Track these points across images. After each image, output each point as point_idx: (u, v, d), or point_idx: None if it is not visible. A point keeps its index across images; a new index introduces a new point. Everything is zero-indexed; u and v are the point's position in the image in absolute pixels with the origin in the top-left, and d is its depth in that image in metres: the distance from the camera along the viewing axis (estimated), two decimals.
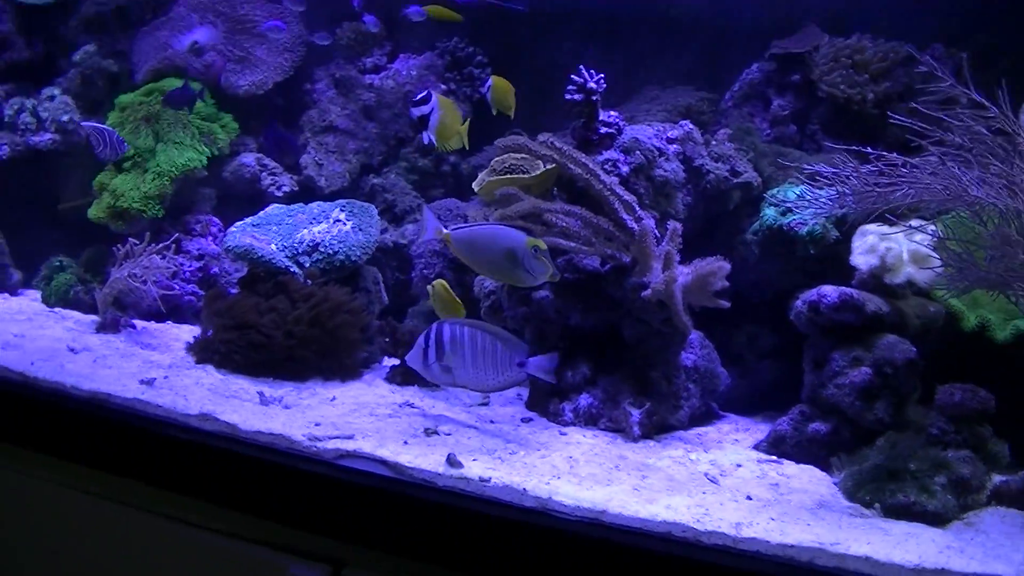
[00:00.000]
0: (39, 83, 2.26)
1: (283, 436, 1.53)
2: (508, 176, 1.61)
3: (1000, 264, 1.45)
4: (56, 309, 2.11)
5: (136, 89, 2.13)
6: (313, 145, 2.00)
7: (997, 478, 1.57)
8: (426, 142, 1.64)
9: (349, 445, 1.49)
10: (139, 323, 1.97)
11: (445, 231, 1.48)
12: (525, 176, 1.59)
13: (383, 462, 1.48)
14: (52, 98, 2.15)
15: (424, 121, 1.59)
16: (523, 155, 1.68)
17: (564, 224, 1.57)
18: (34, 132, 2.13)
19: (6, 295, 2.24)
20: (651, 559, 1.31)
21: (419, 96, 1.59)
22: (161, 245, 1.89)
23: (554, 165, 1.60)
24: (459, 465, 1.45)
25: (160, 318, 1.98)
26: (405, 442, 1.53)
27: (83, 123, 2.13)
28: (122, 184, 1.86)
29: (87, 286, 2.00)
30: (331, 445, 1.50)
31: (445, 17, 2.25)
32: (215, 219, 2.02)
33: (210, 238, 1.97)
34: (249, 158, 2.06)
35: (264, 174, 2.04)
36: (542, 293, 1.62)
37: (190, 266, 1.92)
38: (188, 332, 2.00)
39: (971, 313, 1.60)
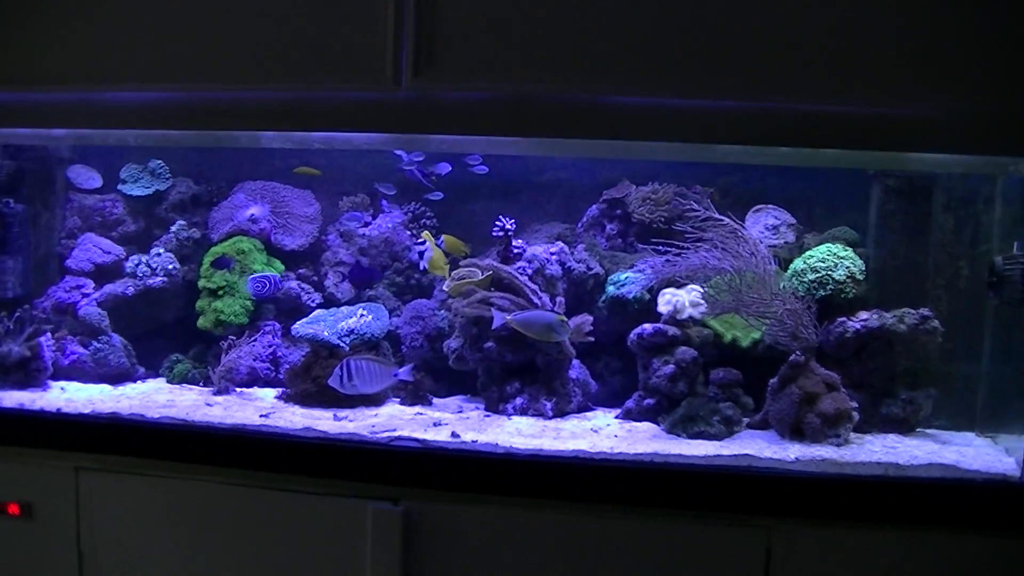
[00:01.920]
0: (142, 248, 3.29)
1: (355, 433, 2.73)
2: (465, 280, 2.91)
3: (734, 302, 2.81)
4: (178, 386, 3.14)
5: (214, 246, 3.22)
6: (331, 273, 3.20)
7: (745, 419, 2.93)
8: (421, 268, 2.96)
9: (395, 434, 2.75)
10: (238, 389, 3.08)
11: (509, 317, 2.78)
12: (475, 280, 2.90)
13: (415, 439, 2.69)
14: (159, 254, 3.19)
15: (421, 255, 2.91)
16: (470, 270, 2.99)
17: (500, 303, 2.88)
18: (149, 277, 3.16)
19: (139, 381, 3.22)
20: (568, 469, 2.51)
21: (419, 241, 2.90)
22: (249, 340, 3.15)
23: (491, 272, 2.91)
24: (458, 436, 2.69)
25: (249, 385, 3.10)
26: (425, 429, 2.72)
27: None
28: (221, 305, 3.08)
29: (198, 370, 3.15)
30: (383, 435, 2.74)
31: (308, 172, 3.27)
32: (276, 323, 3.19)
33: (274, 335, 3.21)
34: (294, 284, 3.19)
35: (303, 293, 3.17)
36: (489, 344, 2.89)
37: (264, 352, 3.16)
38: (270, 392, 3.07)
39: (727, 332, 2.92)
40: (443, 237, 3.13)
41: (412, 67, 2.50)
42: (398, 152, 3.15)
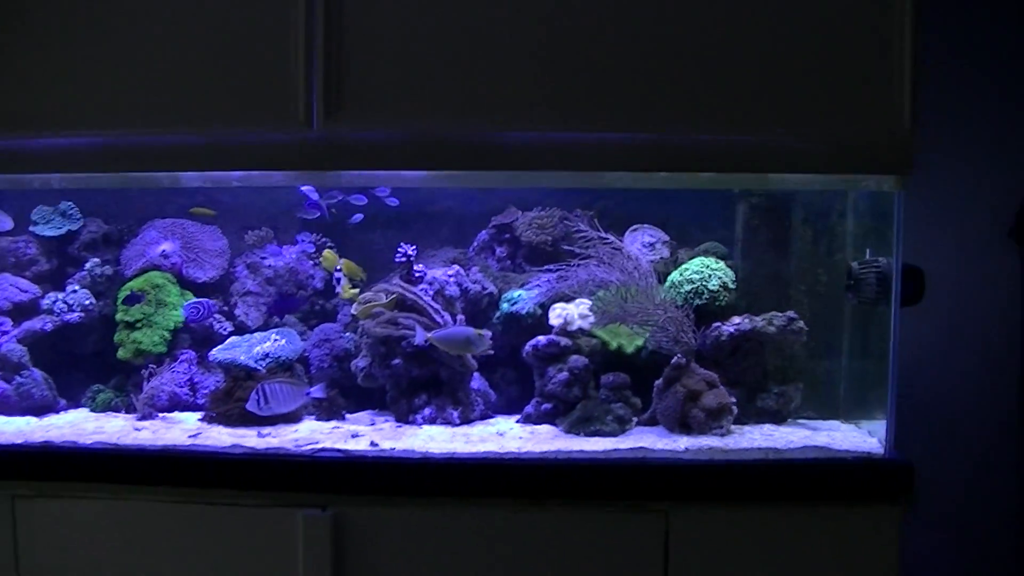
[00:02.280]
0: (57, 286, 3.44)
1: (281, 447, 2.92)
2: (372, 303, 3.18)
3: (619, 312, 3.14)
4: (102, 414, 3.31)
5: (129, 281, 3.37)
6: (240, 303, 3.38)
7: (635, 418, 3.25)
8: (337, 292, 3.24)
9: (318, 446, 2.99)
10: (160, 414, 3.27)
11: (430, 334, 3.06)
12: (382, 301, 3.17)
13: (337, 450, 2.93)
14: (75, 291, 3.34)
15: (339, 281, 3.20)
16: (376, 293, 3.26)
17: (407, 323, 3.15)
18: (66, 313, 3.31)
19: (61, 412, 3.37)
20: (481, 468, 2.76)
21: (336, 268, 3.18)
22: (169, 368, 3.36)
23: (395, 295, 3.19)
24: (377, 445, 2.94)
25: (170, 410, 3.29)
26: (345, 440, 2.95)
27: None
28: (140, 336, 3.28)
29: (120, 399, 3.32)
30: (307, 447, 2.96)
31: (203, 213, 3.53)
32: (192, 351, 3.36)
33: (191, 363, 3.42)
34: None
35: (215, 323, 3.36)
36: (396, 361, 3.14)
37: (183, 379, 3.37)
38: (191, 415, 3.27)
39: (612, 340, 3.22)
40: (342, 261, 3.39)
41: (323, 110, 2.76)
42: (305, 189, 3.40)
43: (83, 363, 3.51)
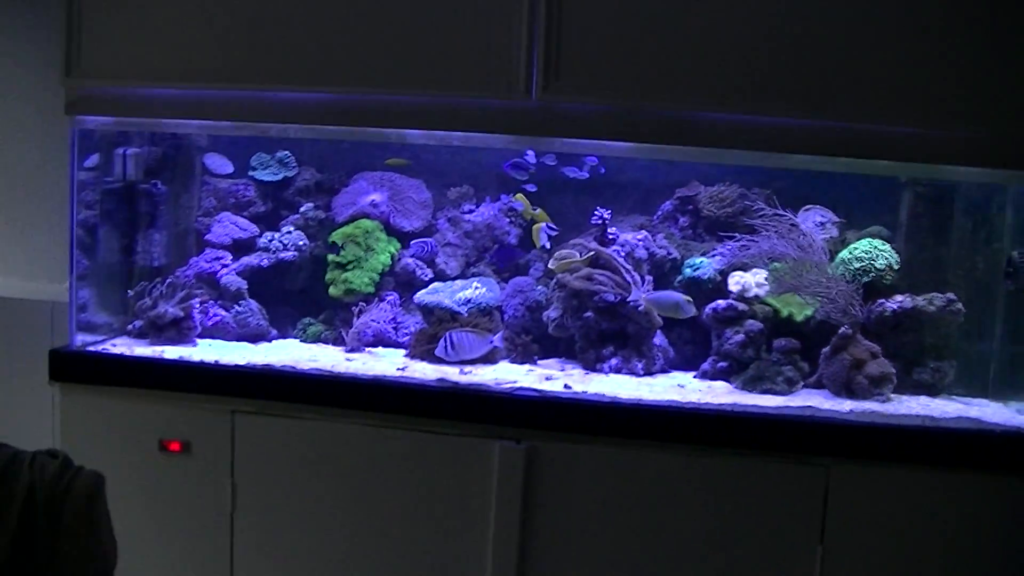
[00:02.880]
0: (271, 226, 3.80)
1: (482, 384, 3.26)
2: (569, 260, 3.56)
3: (793, 283, 3.49)
4: (312, 345, 3.69)
5: (339, 227, 3.72)
6: (440, 252, 3.73)
7: (802, 381, 3.58)
8: (544, 246, 3.63)
9: (515, 384, 3.27)
10: (367, 348, 3.64)
11: (644, 295, 3.44)
12: (579, 259, 3.55)
13: (533, 389, 3.26)
14: (290, 232, 3.70)
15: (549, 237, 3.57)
16: (570, 251, 3.62)
17: (599, 279, 3.53)
18: (282, 251, 3.67)
19: (273, 340, 3.75)
20: (663, 414, 3.11)
21: (549, 225, 3.56)
22: (374, 306, 3.75)
23: (592, 252, 3.56)
24: (570, 388, 3.25)
25: (375, 345, 3.65)
26: (540, 382, 3.30)
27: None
28: (351, 276, 3.67)
29: (329, 332, 3.69)
30: (506, 385, 3.29)
31: (398, 163, 3.86)
32: (396, 294, 3.72)
33: (394, 304, 3.76)
34: (410, 261, 3.70)
35: (416, 269, 3.69)
36: (588, 314, 3.50)
37: (386, 317, 3.73)
38: (394, 351, 3.65)
39: (784, 308, 3.53)
40: (537, 210, 3.74)
41: (541, 82, 3.10)
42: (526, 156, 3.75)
43: (293, 298, 3.89)
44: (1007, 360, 3.52)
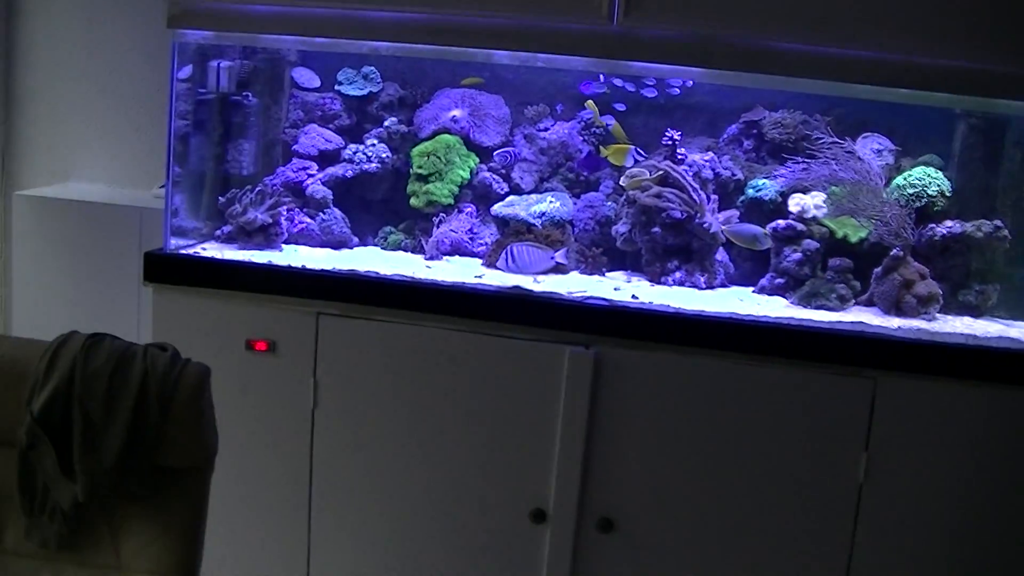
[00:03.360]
0: (356, 139, 3.99)
1: (555, 292, 3.47)
2: (640, 178, 3.81)
3: (851, 206, 3.74)
4: (393, 252, 3.92)
5: (423, 141, 3.94)
6: (516, 168, 3.95)
7: (853, 299, 3.82)
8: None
9: (586, 293, 3.52)
10: (444, 257, 3.86)
11: (724, 227, 3.69)
12: (649, 177, 3.81)
13: (603, 298, 3.50)
14: (374, 144, 3.89)
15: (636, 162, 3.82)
16: (640, 169, 3.88)
17: (668, 196, 3.79)
18: (365, 163, 3.87)
19: (355, 248, 3.98)
20: (724, 325, 3.36)
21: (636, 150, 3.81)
22: (454, 216, 4.01)
23: (661, 172, 3.81)
24: (637, 298, 3.53)
25: (452, 254, 3.88)
26: (609, 292, 3.63)
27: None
28: (433, 188, 3.89)
29: (409, 240, 3.91)
30: (577, 294, 3.48)
31: (473, 82, 4.10)
32: (473, 205, 3.93)
33: (471, 215, 3.98)
34: (487, 175, 3.91)
35: (493, 182, 3.90)
36: (656, 229, 3.74)
37: (464, 228, 3.93)
38: (472, 260, 3.88)
39: (839, 229, 3.71)
40: (613, 123, 3.98)
41: (623, 7, 3.31)
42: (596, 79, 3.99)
43: (375, 207, 4.12)
44: None
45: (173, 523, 2.31)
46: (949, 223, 3.69)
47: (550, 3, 3.40)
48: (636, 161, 3.85)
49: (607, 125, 3.98)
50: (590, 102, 4.00)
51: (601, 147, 3.93)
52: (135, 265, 3.77)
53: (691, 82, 4.00)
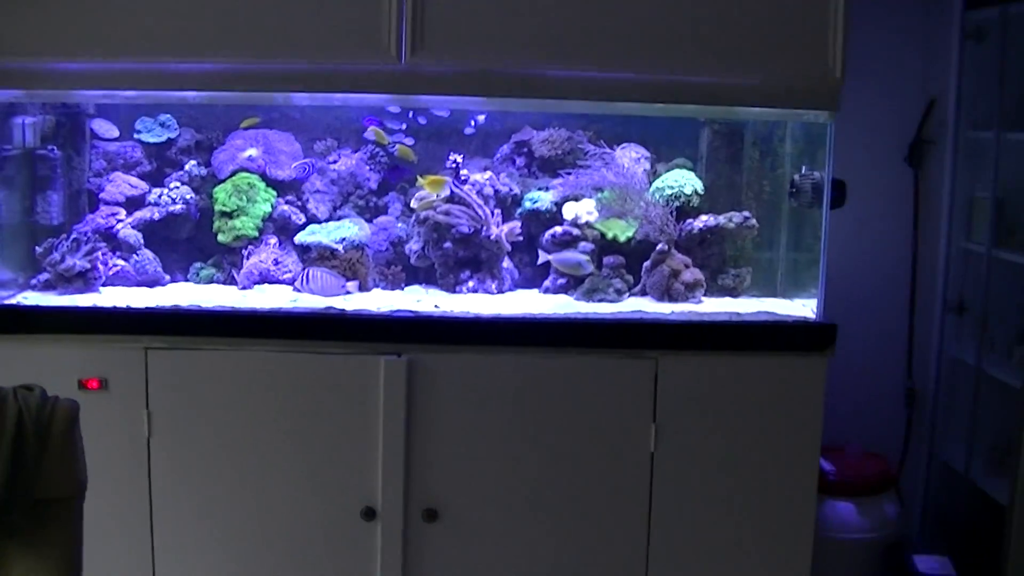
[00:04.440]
0: (157, 184, 4.24)
1: (364, 309, 3.93)
2: (429, 200, 4.25)
3: (618, 209, 4.28)
4: (206, 286, 4.20)
5: (223, 181, 4.20)
6: (311, 198, 4.22)
7: (628, 291, 4.35)
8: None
9: (392, 307, 4.08)
10: (255, 286, 4.17)
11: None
12: (436, 199, 4.26)
13: (409, 310, 3.97)
14: (177, 187, 4.13)
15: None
16: (427, 189, 4.32)
17: (456, 214, 4.23)
18: (171, 205, 4.13)
19: (168, 284, 4.24)
20: (520, 324, 3.85)
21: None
22: (260, 248, 4.37)
23: (447, 192, 4.27)
24: (439, 307, 3.93)
25: (261, 283, 4.17)
26: (413, 303, 4.13)
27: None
28: (238, 223, 4.16)
29: (220, 274, 4.19)
30: (384, 308, 4.08)
31: (251, 123, 4.44)
32: (276, 235, 4.23)
33: (275, 245, 4.35)
34: (284, 208, 4.20)
35: (292, 214, 4.19)
36: (447, 244, 4.14)
37: (270, 258, 4.28)
38: (280, 287, 4.18)
39: (609, 231, 4.16)
40: (396, 146, 4.40)
41: (409, 46, 3.65)
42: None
43: (183, 246, 4.41)
44: (791, 265, 4.38)
45: (54, 553, 2.40)
46: (704, 218, 4.27)
47: (342, 45, 3.73)
48: (452, 192, 4.25)
49: (391, 144, 4.44)
50: (373, 128, 4.41)
51: (419, 178, 4.32)
52: None
53: (481, 117, 4.51)
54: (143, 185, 4.41)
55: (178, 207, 4.34)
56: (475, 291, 4.21)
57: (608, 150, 4.25)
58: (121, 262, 4.25)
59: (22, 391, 2.41)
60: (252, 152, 4.37)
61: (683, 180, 4.25)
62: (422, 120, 4.44)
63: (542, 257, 4.21)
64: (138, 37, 3.75)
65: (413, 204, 4.26)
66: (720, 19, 3.76)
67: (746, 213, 4.25)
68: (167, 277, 4.35)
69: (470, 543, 3.88)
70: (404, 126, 4.44)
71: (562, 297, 4.20)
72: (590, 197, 4.28)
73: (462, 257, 4.22)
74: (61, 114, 4.33)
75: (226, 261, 4.36)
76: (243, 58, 3.77)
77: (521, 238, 4.27)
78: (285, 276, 4.31)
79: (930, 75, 4.89)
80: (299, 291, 4.10)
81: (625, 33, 3.76)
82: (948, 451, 4.91)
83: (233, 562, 3.87)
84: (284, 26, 3.73)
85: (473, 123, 4.50)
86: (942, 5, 4.80)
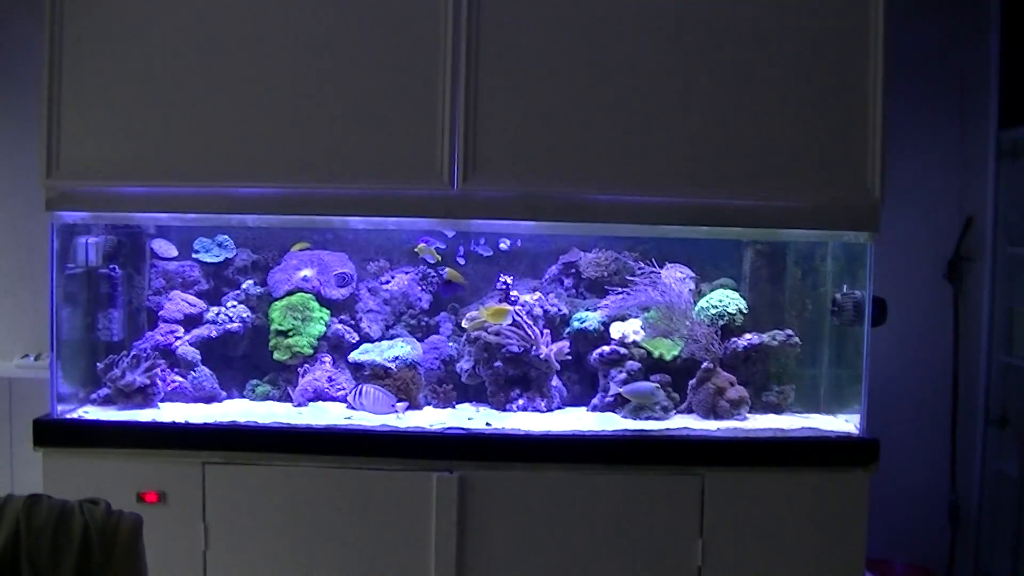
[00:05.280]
0: (214, 302, 4.41)
1: (418, 427, 4.09)
2: (480, 320, 4.41)
3: (664, 329, 4.44)
4: (262, 402, 4.35)
5: (278, 300, 4.35)
6: (364, 317, 4.39)
7: (675, 408, 4.48)
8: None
9: (445, 424, 4.21)
10: (310, 403, 4.33)
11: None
12: (486, 319, 4.43)
13: (460, 428, 4.10)
14: (234, 306, 4.30)
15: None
16: (490, 320, 4.48)
17: (507, 334, 4.40)
18: (228, 323, 4.29)
19: (224, 401, 4.38)
20: (569, 442, 3.98)
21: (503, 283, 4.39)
22: (315, 366, 4.56)
23: (509, 321, 4.42)
24: (490, 425, 4.03)
25: (315, 400, 4.34)
26: (465, 421, 4.18)
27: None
28: (294, 342, 4.36)
29: (275, 390, 4.35)
30: (437, 426, 4.16)
31: (302, 247, 4.67)
32: (330, 354, 4.40)
33: (329, 363, 4.55)
34: (338, 327, 4.36)
35: (345, 333, 4.36)
36: (498, 363, 4.29)
37: (324, 375, 4.48)
38: (335, 404, 4.36)
39: (656, 349, 4.33)
40: (447, 269, 4.58)
41: (462, 173, 3.87)
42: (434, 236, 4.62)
43: (239, 363, 4.58)
44: (833, 381, 4.49)
45: None
46: (748, 336, 4.41)
47: (397, 172, 3.93)
48: (515, 320, 4.39)
49: (441, 267, 4.65)
50: (421, 245, 4.61)
51: (482, 308, 4.47)
52: (5, 434, 4.23)
53: (519, 241, 4.72)
54: (201, 303, 4.60)
55: (235, 325, 4.53)
56: (525, 409, 4.35)
57: (655, 269, 4.40)
58: (179, 378, 4.41)
59: (88, 505, 2.50)
60: (307, 272, 4.54)
61: (727, 299, 4.41)
62: (484, 251, 4.71)
63: (613, 390, 4.35)
64: (201, 162, 3.97)
65: (464, 324, 4.43)
66: (762, 144, 3.95)
67: (789, 331, 4.40)
68: (224, 393, 4.51)
69: None
70: (463, 253, 4.69)
71: (610, 415, 4.33)
72: (636, 316, 4.43)
73: (512, 375, 4.37)
74: (123, 234, 4.54)
75: (281, 378, 4.52)
76: (301, 183, 3.98)
77: (569, 357, 4.42)
78: (339, 393, 4.47)
79: (967, 193, 5.06)
80: (352, 407, 4.26)
81: (670, 158, 3.95)
82: (994, 565, 5.00)
83: None
84: (341, 153, 3.94)
85: (507, 242, 4.70)
86: (977, 124, 5.00)
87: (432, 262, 4.62)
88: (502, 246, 4.65)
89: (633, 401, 4.24)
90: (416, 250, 4.63)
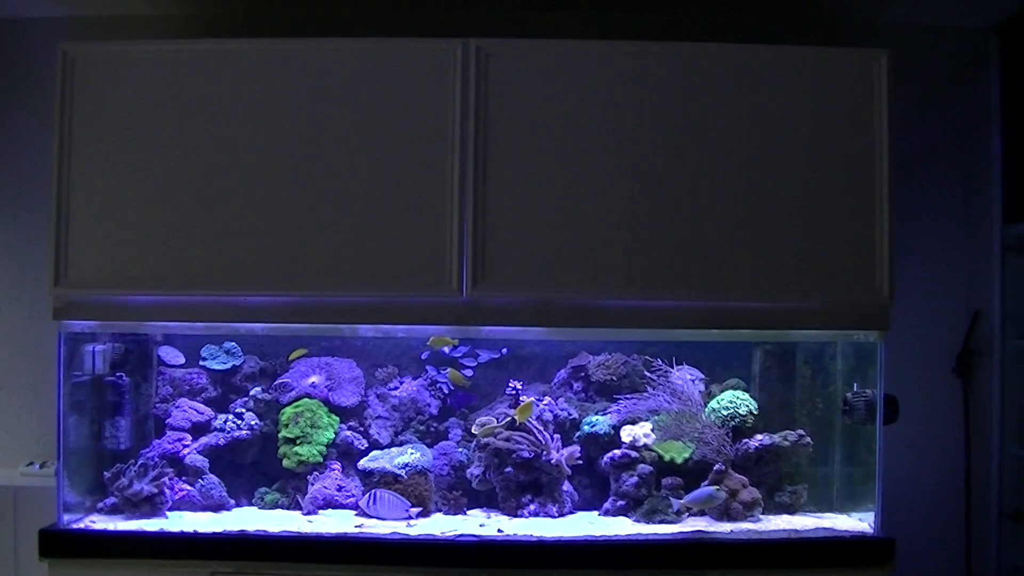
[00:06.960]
0: (222, 409, 4.47)
1: (429, 534, 4.15)
2: (490, 426, 4.51)
3: (675, 431, 4.52)
4: (270, 511, 4.41)
5: (286, 406, 4.44)
6: (373, 424, 4.47)
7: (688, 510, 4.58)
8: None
9: (456, 532, 4.25)
10: (319, 511, 4.38)
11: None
12: (497, 425, 4.51)
13: (472, 535, 4.14)
14: (241, 414, 4.38)
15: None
16: (488, 417, 4.57)
17: (517, 439, 4.47)
18: (236, 431, 4.36)
19: (233, 509, 4.45)
20: (583, 547, 4.03)
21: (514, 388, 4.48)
22: (329, 475, 4.61)
23: (509, 418, 4.51)
24: (502, 531, 4.08)
25: (325, 507, 4.38)
26: (476, 528, 4.23)
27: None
28: (301, 451, 4.44)
29: (284, 499, 4.40)
30: (450, 533, 4.17)
31: (299, 355, 4.77)
32: (339, 462, 4.47)
33: (338, 471, 4.62)
34: (348, 433, 4.42)
35: (354, 440, 4.43)
36: (508, 469, 4.37)
37: (333, 483, 4.54)
38: (344, 512, 4.42)
39: (666, 453, 4.41)
40: (448, 370, 4.70)
41: (471, 281, 3.97)
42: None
43: (247, 471, 4.64)
44: (846, 480, 4.56)
45: None
46: (760, 437, 4.49)
47: (406, 280, 4.04)
48: (525, 426, 4.47)
49: (444, 371, 4.75)
50: (433, 337, 4.70)
51: (514, 412, 4.55)
52: (9, 542, 4.31)
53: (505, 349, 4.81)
54: (208, 411, 4.68)
55: (243, 432, 4.60)
56: (536, 514, 4.40)
57: (664, 370, 4.50)
58: (187, 487, 4.47)
59: None
60: (315, 379, 4.62)
61: (737, 400, 4.50)
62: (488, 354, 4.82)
63: (675, 505, 4.33)
64: (210, 272, 4.07)
65: (474, 430, 4.51)
66: (771, 247, 4.07)
67: (800, 431, 4.49)
68: (232, 501, 4.56)
69: None
70: (475, 364, 4.83)
71: (622, 519, 4.39)
72: (647, 420, 4.51)
73: (523, 481, 4.44)
74: (130, 341, 4.62)
75: (291, 486, 4.58)
76: (311, 292, 4.08)
77: (580, 461, 4.48)
78: (348, 501, 4.52)
79: (974, 288, 5.13)
80: (364, 511, 4.33)
81: (678, 263, 4.05)
82: None
83: None
84: (350, 262, 4.05)
85: (504, 350, 4.83)
86: (982, 220, 5.09)
87: (448, 352, 4.75)
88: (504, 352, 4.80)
89: (696, 507, 4.35)
90: (429, 343, 4.74)
